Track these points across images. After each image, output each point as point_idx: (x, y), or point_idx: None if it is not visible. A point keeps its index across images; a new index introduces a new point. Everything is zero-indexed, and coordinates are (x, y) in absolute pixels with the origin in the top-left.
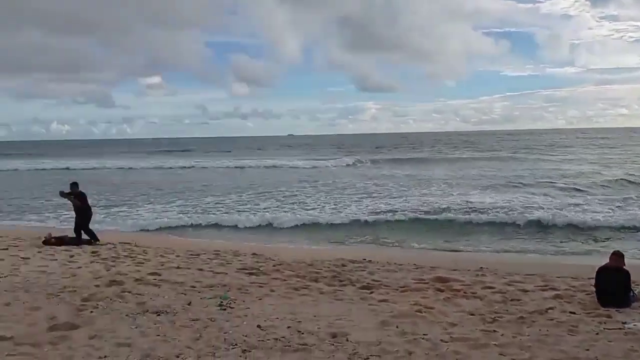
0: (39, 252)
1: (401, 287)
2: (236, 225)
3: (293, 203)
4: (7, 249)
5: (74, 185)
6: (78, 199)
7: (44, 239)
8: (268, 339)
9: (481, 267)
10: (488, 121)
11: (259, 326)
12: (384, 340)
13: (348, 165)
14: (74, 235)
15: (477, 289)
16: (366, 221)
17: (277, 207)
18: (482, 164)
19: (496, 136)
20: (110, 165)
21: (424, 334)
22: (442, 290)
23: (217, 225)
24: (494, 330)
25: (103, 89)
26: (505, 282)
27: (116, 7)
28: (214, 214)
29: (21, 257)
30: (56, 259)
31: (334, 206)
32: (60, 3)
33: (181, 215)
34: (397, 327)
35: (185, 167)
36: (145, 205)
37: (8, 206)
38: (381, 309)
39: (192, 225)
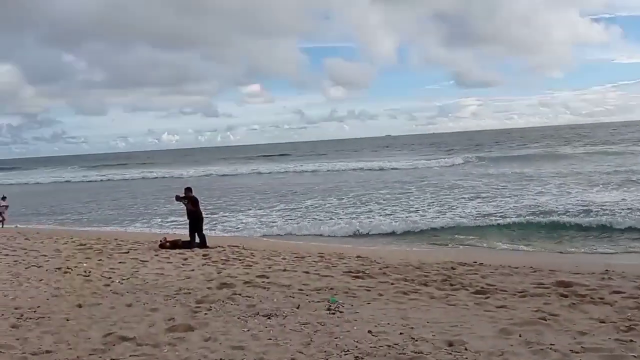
0: (155, 255)
1: (519, 292)
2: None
3: (395, 205)
4: (127, 252)
5: (188, 190)
6: (191, 203)
7: (159, 242)
8: (381, 346)
9: (606, 270)
10: (601, 113)
11: (370, 332)
12: (507, 350)
13: (453, 165)
14: (187, 239)
15: (605, 294)
16: (474, 223)
17: (379, 209)
18: (596, 158)
19: (611, 128)
20: (215, 172)
21: (551, 344)
22: (565, 296)
23: (319, 229)
24: (631, 340)
25: (207, 100)
26: (635, 285)
27: (217, 22)
28: (313, 218)
29: (140, 260)
30: (171, 262)
31: (438, 208)
32: (166, 20)
33: (282, 219)
34: (519, 335)
35: (284, 171)
36: (248, 211)
37: (126, 212)
38: (499, 316)
39: (294, 229)
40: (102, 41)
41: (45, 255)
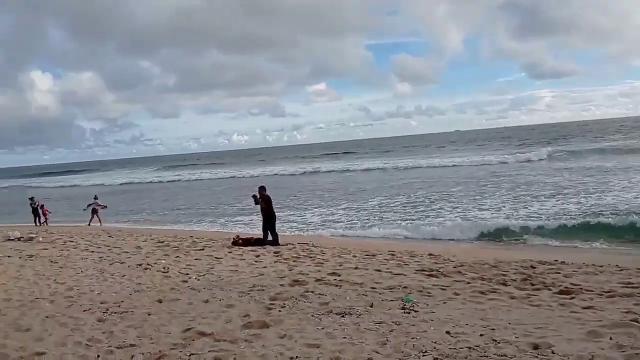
0: (229, 252)
1: (607, 293)
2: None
3: (467, 204)
4: (203, 249)
5: (262, 189)
6: (264, 202)
7: (233, 240)
8: (461, 348)
9: None
10: None
11: (448, 333)
12: (597, 354)
13: (529, 160)
14: (260, 237)
15: None
16: (552, 221)
17: (450, 207)
18: None
19: None
20: (281, 171)
21: None
22: None
23: (383, 226)
24: None
25: (274, 100)
26: None
27: (284, 24)
28: (381, 217)
29: (215, 257)
30: (244, 259)
31: (514, 205)
32: (235, 25)
33: (350, 217)
34: (610, 339)
35: (350, 169)
36: (315, 209)
37: (197, 211)
38: (587, 318)
39: (362, 227)
40: (176, 48)
41: (127, 253)
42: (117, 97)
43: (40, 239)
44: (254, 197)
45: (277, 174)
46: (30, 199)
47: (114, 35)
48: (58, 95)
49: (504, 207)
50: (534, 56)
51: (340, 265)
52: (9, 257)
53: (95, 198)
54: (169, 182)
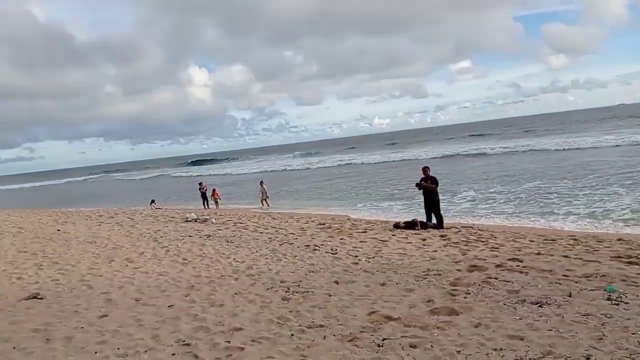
0: (392, 235)
1: None
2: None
3: None
4: (365, 232)
5: (426, 169)
6: (431, 182)
7: (394, 223)
8: None
9: None
10: None
11: None
12: None
13: None
14: (422, 219)
15: None
16: None
17: (624, 191)
18: None
19: None
20: (421, 154)
21: None
22: None
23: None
24: None
25: (416, 81)
26: None
27: (425, 1)
28: (546, 201)
29: (380, 240)
30: (410, 242)
31: None
32: (375, 7)
33: (510, 200)
34: None
35: (501, 151)
36: (465, 192)
37: (346, 195)
38: None
39: (524, 211)
40: (316, 35)
41: (293, 234)
42: (264, 86)
43: (213, 220)
44: (417, 184)
45: (415, 159)
46: (199, 184)
47: (261, 27)
48: (212, 88)
49: None
50: None
51: (519, 250)
52: (190, 236)
53: (261, 183)
54: (317, 168)
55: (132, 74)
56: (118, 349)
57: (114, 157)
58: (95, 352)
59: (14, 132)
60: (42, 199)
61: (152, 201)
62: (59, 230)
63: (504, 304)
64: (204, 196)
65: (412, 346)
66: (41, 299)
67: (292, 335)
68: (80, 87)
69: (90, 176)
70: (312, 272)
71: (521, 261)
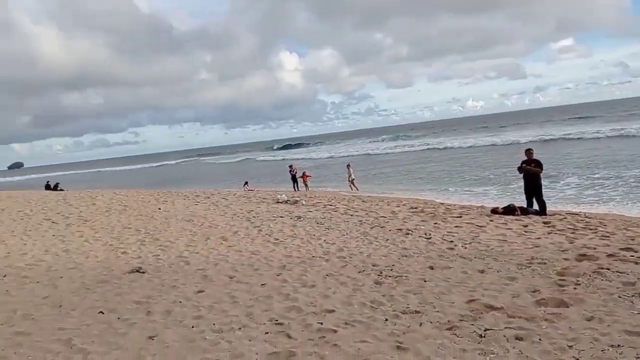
0: (490, 220)
1: None
2: None
3: None
4: (460, 216)
5: (529, 151)
6: (535, 165)
7: (492, 208)
8: None
9: None
10: None
11: None
12: None
13: None
14: (522, 205)
15: None
16: None
17: None
18: None
19: None
20: (524, 137)
21: None
22: None
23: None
24: None
25: (513, 61)
26: None
27: None
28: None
29: (477, 225)
30: (511, 228)
31: None
32: None
33: (612, 188)
34: None
35: (605, 135)
36: (568, 178)
37: (437, 179)
38: None
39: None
40: (407, 16)
41: (384, 217)
42: (353, 70)
43: (304, 202)
44: (519, 168)
45: (512, 143)
46: (289, 166)
47: (351, 10)
48: (302, 73)
49: None
50: None
51: (632, 239)
52: (281, 217)
53: (348, 166)
54: (406, 152)
55: (226, 61)
56: (213, 324)
57: (209, 141)
58: (192, 327)
59: (120, 117)
60: (140, 181)
61: (246, 183)
62: (159, 209)
63: (619, 297)
64: (294, 179)
65: (518, 338)
66: (143, 272)
67: (387, 320)
68: (179, 74)
69: (184, 159)
70: (405, 256)
71: (636, 251)
